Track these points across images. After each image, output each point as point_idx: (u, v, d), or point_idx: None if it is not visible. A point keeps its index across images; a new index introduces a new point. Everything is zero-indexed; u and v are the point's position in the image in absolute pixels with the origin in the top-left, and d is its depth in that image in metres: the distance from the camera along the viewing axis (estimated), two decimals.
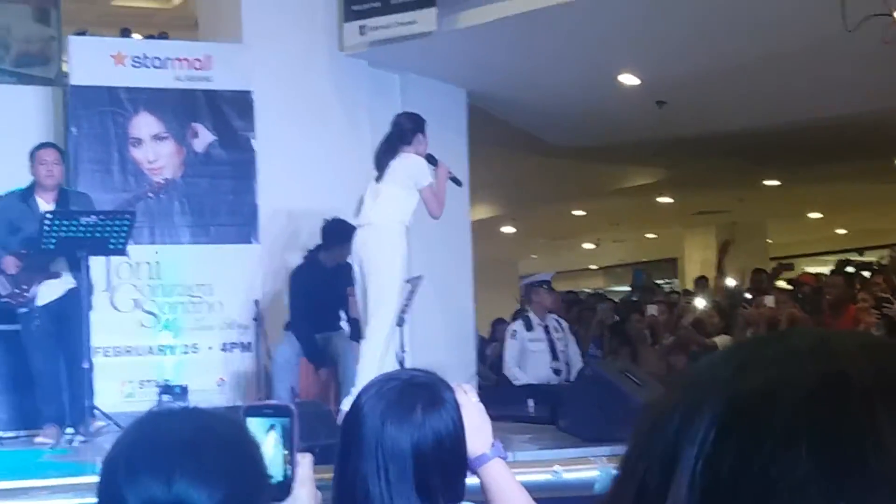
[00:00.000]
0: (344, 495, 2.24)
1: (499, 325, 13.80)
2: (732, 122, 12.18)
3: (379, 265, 7.28)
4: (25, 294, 7.43)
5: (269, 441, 2.07)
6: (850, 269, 13.54)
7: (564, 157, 14.22)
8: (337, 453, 2.28)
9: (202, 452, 1.66)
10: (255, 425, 2.07)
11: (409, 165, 7.33)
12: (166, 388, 9.15)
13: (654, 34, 9.65)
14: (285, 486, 1.97)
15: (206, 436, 1.71)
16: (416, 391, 2.26)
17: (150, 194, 8.19)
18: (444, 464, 2.22)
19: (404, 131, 7.50)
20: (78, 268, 7.42)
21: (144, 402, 9.01)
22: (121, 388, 8.94)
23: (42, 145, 7.87)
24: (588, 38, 9.85)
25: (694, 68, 10.29)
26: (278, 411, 2.09)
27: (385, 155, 7.45)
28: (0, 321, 8.01)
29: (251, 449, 1.78)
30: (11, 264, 7.41)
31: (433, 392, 2.27)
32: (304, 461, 2.14)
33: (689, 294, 14.13)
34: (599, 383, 6.70)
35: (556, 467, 4.42)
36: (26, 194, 7.63)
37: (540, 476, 5.27)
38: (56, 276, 7.47)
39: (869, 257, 18.47)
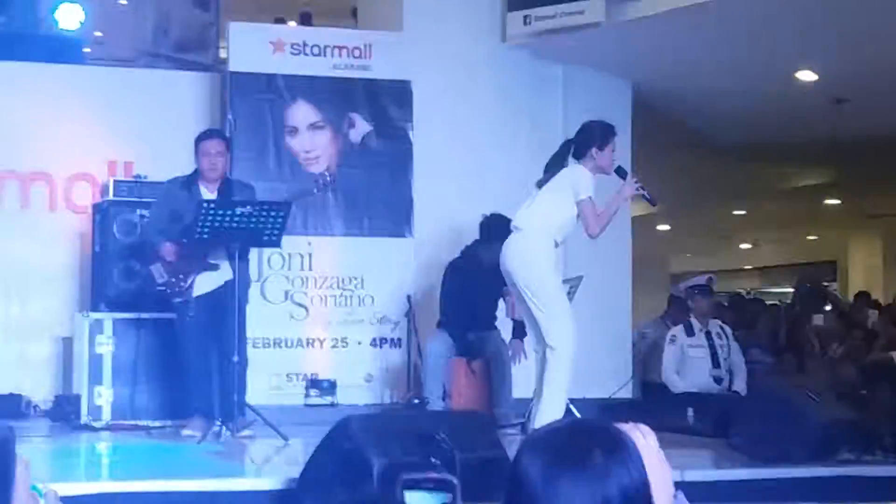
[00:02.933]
0: None
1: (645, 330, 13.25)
2: None
3: (531, 274, 6.84)
4: (182, 284, 7.27)
5: None
6: None
7: (731, 156, 13.71)
8: None
9: None
10: (415, 500, 1.77)
11: (572, 174, 6.82)
12: (314, 383, 9.01)
13: (834, 28, 9.15)
14: None
15: None
16: (590, 434, 1.81)
17: (317, 190, 7.92)
18: None
19: (579, 143, 6.93)
20: (236, 259, 7.22)
21: (292, 395, 8.89)
22: (268, 381, 8.79)
23: (207, 134, 7.69)
24: (764, 31, 9.36)
25: (874, 64, 9.74)
26: (440, 485, 1.79)
27: (554, 161, 7.00)
28: (155, 309, 7.92)
29: None
30: (170, 252, 7.27)
31: (611, 435, 1.82)
32: None
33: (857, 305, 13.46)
34: (777, 400, 6.27)
35: None
36: (189, 181, 7.48)
37: None
38: (214, 267, 7.28)
39: None
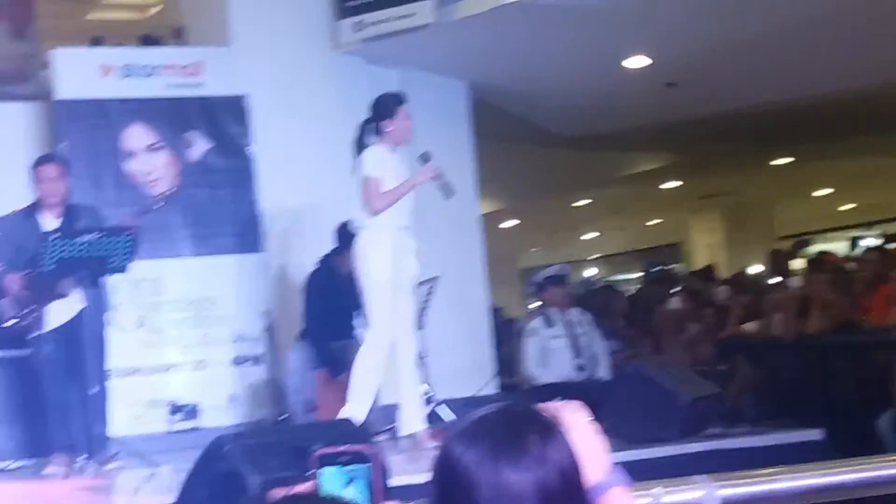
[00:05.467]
0: None
1: (504, 326, 13.29)
2: (743, 100, 11.83)
3: (360, 270, 6.96)
4: (32, 315, 7.00)
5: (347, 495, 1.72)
6: (867, 244, 13.22)
7: (569, 147, 13.87)
8: None
9: None
10: (330, 477, 1.72)
11: (358, 159, 6.89)
12: (176, 408, 8.83)
13: (663, 13, 9.29)
14: None
15: None
16: (523, 420, 1.82)
17: (158, 205, 7.63)
18: (572, 501, 1.80)
19: (374, 120, 7.00)
20: (87, 286, 7.01)
21: (154, 423, 8.69)
22: (129, 411, 8.55)
23: (41, 160, 7.43)
24: (594, 21, 9.47)
25: (704, 46, 9.96)
26: (357, 458, 1.75)
27: (358, 145, 7.02)
28: (9, 346, 7.66)
29: None
30: (15, 281, 7.00)
31: (542, 419, 1.84)
32: None
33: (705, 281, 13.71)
34: (643, 382, 6.34)
35: (657, 489, 3.81)
36: (30, 212, 7.23)
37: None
38: (63, 297, 7.03)
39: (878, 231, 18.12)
